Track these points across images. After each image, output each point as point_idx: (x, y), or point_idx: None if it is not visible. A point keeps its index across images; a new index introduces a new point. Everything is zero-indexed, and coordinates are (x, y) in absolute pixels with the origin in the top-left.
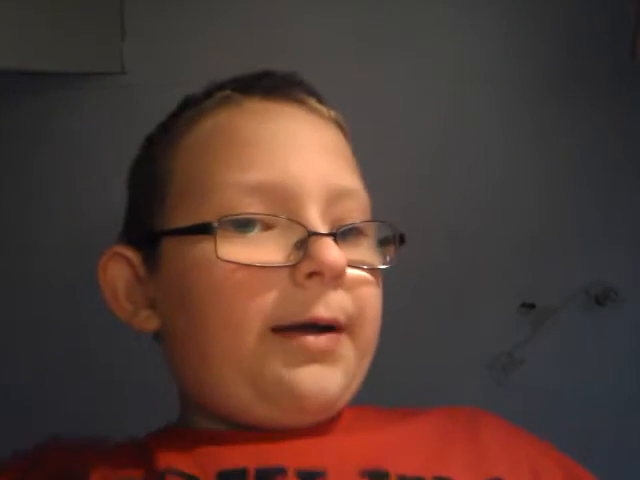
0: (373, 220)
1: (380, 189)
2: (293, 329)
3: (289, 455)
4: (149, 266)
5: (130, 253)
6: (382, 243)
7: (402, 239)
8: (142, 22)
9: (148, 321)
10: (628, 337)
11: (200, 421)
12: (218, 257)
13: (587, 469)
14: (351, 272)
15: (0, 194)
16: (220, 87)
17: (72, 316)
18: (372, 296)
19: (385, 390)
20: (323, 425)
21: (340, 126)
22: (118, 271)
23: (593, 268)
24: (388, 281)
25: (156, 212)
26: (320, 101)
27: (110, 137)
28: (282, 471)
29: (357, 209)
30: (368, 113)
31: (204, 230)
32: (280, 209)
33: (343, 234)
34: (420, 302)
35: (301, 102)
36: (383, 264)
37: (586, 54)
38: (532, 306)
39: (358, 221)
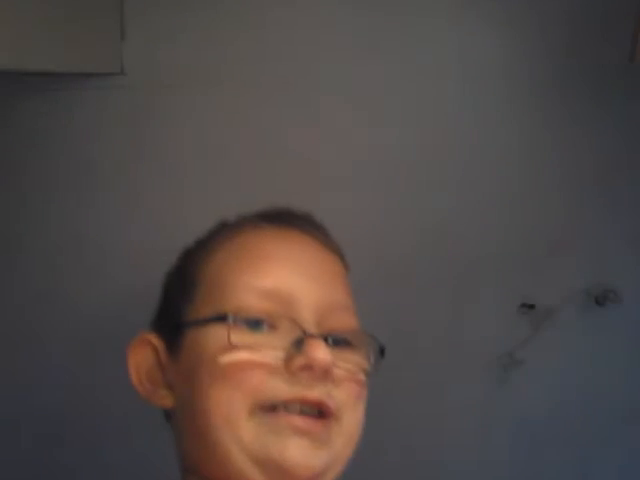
0: (360, 331)
1: (380, 190)
2: (283, 409)
3: None
4: (171, 353)
5: (156, 341)
6: (369, 353)
7: (382, 351)
8: (142, 22)
9: (164, 399)
10: (627, 337)
11: None
12: (230, 342)
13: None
14: (338, 371)
15: None
16: (249, 217)
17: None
18: (354, 392)
19: (385, 390)
20: None
21: (340, 257)
22: (143, 355)
23: (593, 268)
24: (389, 281)
25: (184, 308)
26: (327, 236)
27: (110, 137)
28: None
29: (346, 322)
30: (368, 113)
31: (222, 319)
32: (283, 313)
33: (335, 341)
34: (420, 302)
35: (310, 234)
36: (366, 370)
37: (586, 55)
38: (532, 306)
39: (347, 332)
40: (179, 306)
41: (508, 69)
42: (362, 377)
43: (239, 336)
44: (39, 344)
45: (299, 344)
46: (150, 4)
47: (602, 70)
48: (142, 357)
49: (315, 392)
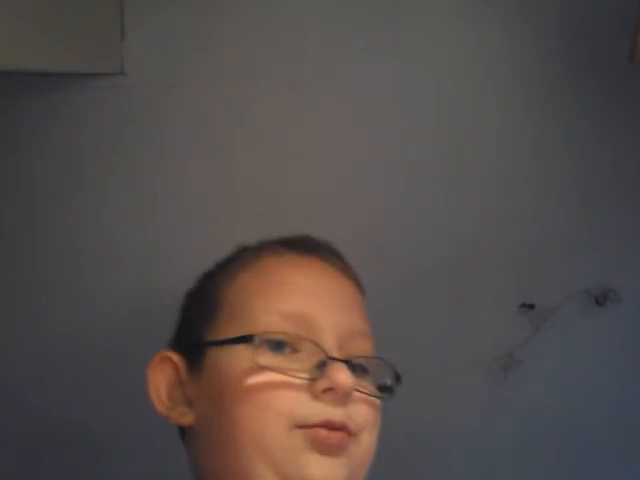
0: (378, 357)
1: (380, 189)
2: (311, 427)
3: None
4: (192, 371)
5: (177, 358)
6: (382, 381)
7: (398, 378)
8: (142, 22)
9: (184, 417)
10: (627, 337)
11: None
12: (256, 362)
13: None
14: (357, 395)
15: None
16: (270, 242)
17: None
18: (371, 416)
19: None
20: None
21: (357, 283)
22: (163, 372)
23: (593, 268)
24: (390, 280)
25: (206, 328)
26: (344, 263)
27: (110, 137)
28: None
29: (364, 348)
30: (368, 113)
31: (248, 340)
32: (305, 336)
33: (353, 367)
34: (420, 302)
35: (328, 260)
36: (380, 396)
37: (586, 55)
38: (532, 306)
39: (365, 358)
40: (201, 326)
41: (507, 69)
42: (378, 402)
43: (264, 357)
44: (39, 344)
45: (322, 367)
46: (150, 4)
47: (601, 70)
48: (162, 374)
49: (338, 415)
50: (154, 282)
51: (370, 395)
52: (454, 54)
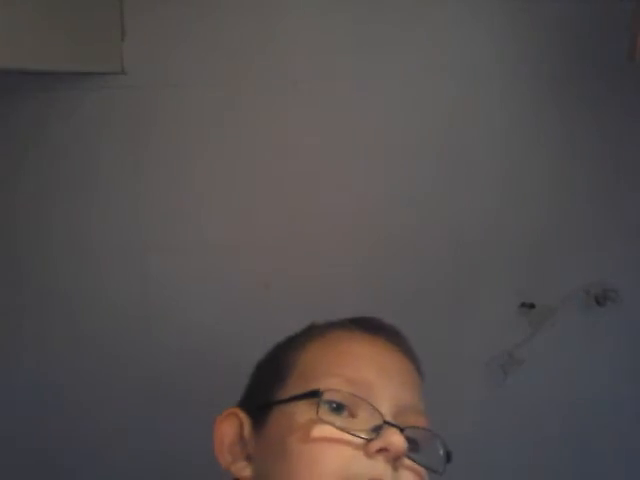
0: (431, 431)
1: (381, 190)
2: None
3: None
4: (256, 428)
5: (243, 416)
6: (437, 455)
7: (449, 456)
8: (142, 22)
9: (244, 470)
10: (627, 337)
11: None
12: (319, 416)
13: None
14: (406, 462)
15: None
16: (338, 321)
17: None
18: None
19: None
20: None
21: (418, 368)
22: (228, 428)
23: (593, 268)
24: (391, 280)
25: (275, 390)
26: (408, 347)
27: (110, 137)
28: None
29: (419, 423)
30: (369, 114)
31: (312, 396)
32: (365, 400)
33: (407, 439)
34: (420, 302)
35: (394, 341)
36: (429, 467)
37: (586, 55)
38: (532, 306)
39: (421, 429)
40: (270, 388)
41: (508, 68)
42: (425, 475)
43: (326, 414)
44: (38, 344)
45: (378, 430)
46: (150, 4)
47: (601, 69)
48: (227, 429)
49: (388, 475)
50: (154, 275)
51: (420, 464)
52: (455, 53)
